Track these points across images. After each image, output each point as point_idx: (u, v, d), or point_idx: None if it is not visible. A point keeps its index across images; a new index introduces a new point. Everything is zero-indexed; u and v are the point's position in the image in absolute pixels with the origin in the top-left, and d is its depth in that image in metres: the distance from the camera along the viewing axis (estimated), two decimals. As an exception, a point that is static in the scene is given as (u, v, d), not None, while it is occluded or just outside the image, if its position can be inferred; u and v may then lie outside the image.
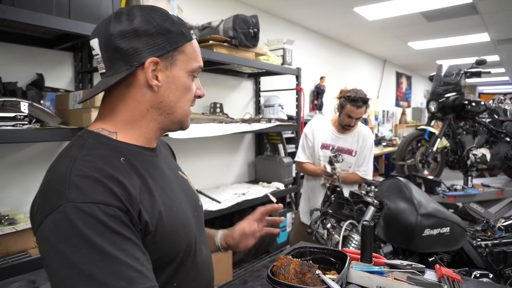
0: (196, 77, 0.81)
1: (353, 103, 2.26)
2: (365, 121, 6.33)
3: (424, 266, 0.86)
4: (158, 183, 0.75)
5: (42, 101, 1.86)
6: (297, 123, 3.25)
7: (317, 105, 4.86)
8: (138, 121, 0.76)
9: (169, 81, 0.75)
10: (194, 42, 0.80)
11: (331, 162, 2.27)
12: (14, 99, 1.55)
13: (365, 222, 0.84)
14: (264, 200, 2.90)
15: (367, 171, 2.38)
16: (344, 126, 2.36)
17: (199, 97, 0.82)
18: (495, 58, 6.68)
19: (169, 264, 0.73)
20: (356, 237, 1.71)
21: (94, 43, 0.75)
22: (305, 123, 2.78)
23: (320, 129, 2.44)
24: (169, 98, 0.76)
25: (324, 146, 2.41)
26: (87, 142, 0.71)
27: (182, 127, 0.82)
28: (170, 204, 0.75)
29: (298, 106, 3.31)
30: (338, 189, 1.94)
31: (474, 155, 3.40)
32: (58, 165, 0.69)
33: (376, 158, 6.53)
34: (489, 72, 3.39)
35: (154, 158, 0.80)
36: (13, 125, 1.48)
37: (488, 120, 3.73)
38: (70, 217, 0.59)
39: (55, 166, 0.69)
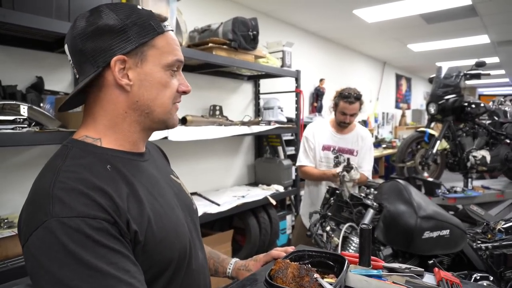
0: (176, 71, 0.76)
1: (345, 100, 2.31)
2: (365, 123, 6.33)
3: (423, 270, 0.85)
4: (147, 189, 0.72)
5: (41, 104, 1.86)
6: (296, 126, 3.25)
7: (316, 107, 4.86)
8: (119, 125, 0.73)
9: (141, 79, 0.71)
10: (168, 34, 0.74)
11: (348, 166, 2.25)
12: (14, 102, 1.55)
13: (363, 226, 0.84)
14: (264, 203, 2.90)
15: (370, 171, 2.44)
16: (340, 123, 2.39)
17: (184, 93, 0.77)
18: (495, 60, 6.69)
19: (163, 272, 0.71)
20: (356, 240, 1.71)
21: (66, 48, 0.73)
22: (305, 126, 2.78)
23: (320, 131, 2.47)
24: (145, 97, 0.72)
25: (325, 148, 2.44)
26: (71, 152, 0.68)
27: (167, 125, 0.77)
28: (160, 210, 0.72)
29: (297, 109, 3.31)
30: (338, 191, 1.94)
31: (474, 157, 3.39)
32: (42, 178, 0.66)
33: (376, 160, 6.52)
34: (488, 74, 3.39)
35: (142, 163, 0.77)
36: (12, 128, 1.47)
37: (488, 122, 3.73)
38: (55, 233, 0.56)
39: (39, 179, 0.66)
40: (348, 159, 2.20)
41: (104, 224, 0.60)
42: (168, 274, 0.71)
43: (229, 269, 1.00)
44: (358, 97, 2.32)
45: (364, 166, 2.41)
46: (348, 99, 2.29)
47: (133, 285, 0.60)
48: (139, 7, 0.73)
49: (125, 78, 0.70)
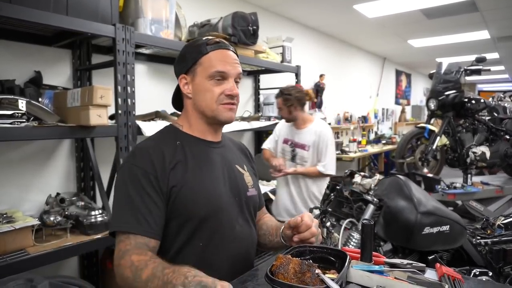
0: (221, 79, 1.00)
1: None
2: (365, 119, 6.33)
3: (425, 265, 0.85)
4: (198, 164, 1.01)
5: (40, 99, 1.85)
6: (296, 121, 3.24)
7: (316, 103, 4.85)
8: (190, 119, 1.07)
9: (195, 88, 1.03)
10: (213, 53, 1.01)
11: (293, 159, 2.57)
12: (12, 96, 1.54)
13: (365, 221, 0.84)
14: (264, 199, 2.89)
15: (326, 166, 2.48)
16: (283, 118, 2.61)
17: (230, 95, 1.01)
18: (494, 55, 6.67)
19: (188, 221, 0.96)
20: (356, 236, 1.71)
21: None
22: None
23: (285, 125, 2.67)
24: (198, 101, 1.03)
25: (285, 141, 2.64)
26: (164, 129, 1.09)
27: (219, 121, 1.04)
28: (200, 178, 0.99)
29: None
30: (338, 187, 1.93)
31: (474, 153, 3.39)
32: (142, 141, 1.06)
33: (376, 156, 6.52)
34: (489, 70, 3.38)
35: (206, 148, 1.06)
36: (10, 123, 1.47)
37: (487, 118, 3.72)
38: (124, 170, 0.97)
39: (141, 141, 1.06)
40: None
41: (149, 175, 0.93)
42: (195, 223, 0.96)
43: (280, 231, 1.09)
44: (279, 94, 2.56)
45: (321, 161, 2.48)
46: (276, 94, 2.60)
47: (148, 221, 0.90)
48: (205, 38, 1.05)
49: (188, 89, 1.04)
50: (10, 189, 1.91)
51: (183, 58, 1.05)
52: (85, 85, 2.17)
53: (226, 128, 2.53)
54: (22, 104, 1.53)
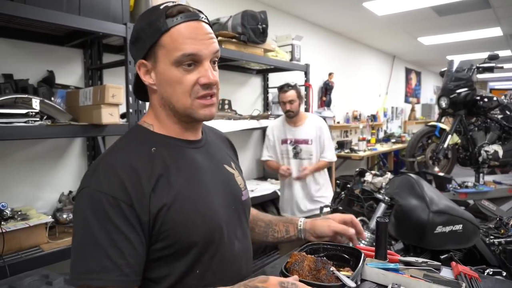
0: (192, 64, 0.75)
1: (280, 90, 2.58)
2: (374, 118, 6.28)
3: (440, 264, 0.84)
4: (182, 173, 0.78)
5: (53, 98, 1.87)
6: (305, 120, 3.23)
7: (325, 101, 4.83)
8: (160, 116, 0.82)
9: (159, 78, 0.77)
10: (175, 29, 0.73)
11: (296, 156, 2.62)
12: (26, 96, 1.56)
13: (380, 219, 0.83)
14: (273, 197, 2.89)
15: (330, 155, 2.67)
16: (286, 113, 2.59)
17: (205, 85, 0.76)
18: (507, 53, 6.57)
19: (188, 251, 0.75)
20: (367, 234, 1.70)
21: None
22: (314, 120, 2.78)
23: (278, 127, 2.71)
24: (165, 93, 0.78)
25: (283, 141, 2.66)
26: (131, 132, 0.83)
27: (193, 119, 0.80)
28: (189, 194, 0.76)
29: (306, 103, 3.29)
30: (348, 185, 1.92)
31: (486, 151, 3.34)
32: (105, 151, 0.79)
33: (385, 155, 6.47)
34: (502, 67, 3.32)
35: (188, 149, 0.82)
36: (25, 122, 1.49)
37: (500, 116, 3.65)
38: (83, 199, 0.70)
39: (105, 152, 0.79)
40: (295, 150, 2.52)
41: (119, 203, 0.68)
42: (194, 254, 0.75)
43: (301, 224, 1.00)
44: (292, 86, 2.54)
45: (326, 153, 2.64)
46: (283, 88, 2.55)
47: (119, 266, 0.67)
48: (162, 6, 0.76)
49: (150, 79, 0.79)
50: (24, 187, 1.94)
51: (138, 38, 0.77)
52: (96, 84, 2.20)
53: (235, 127, 2.56)
54: (35, 103, 1.55)
